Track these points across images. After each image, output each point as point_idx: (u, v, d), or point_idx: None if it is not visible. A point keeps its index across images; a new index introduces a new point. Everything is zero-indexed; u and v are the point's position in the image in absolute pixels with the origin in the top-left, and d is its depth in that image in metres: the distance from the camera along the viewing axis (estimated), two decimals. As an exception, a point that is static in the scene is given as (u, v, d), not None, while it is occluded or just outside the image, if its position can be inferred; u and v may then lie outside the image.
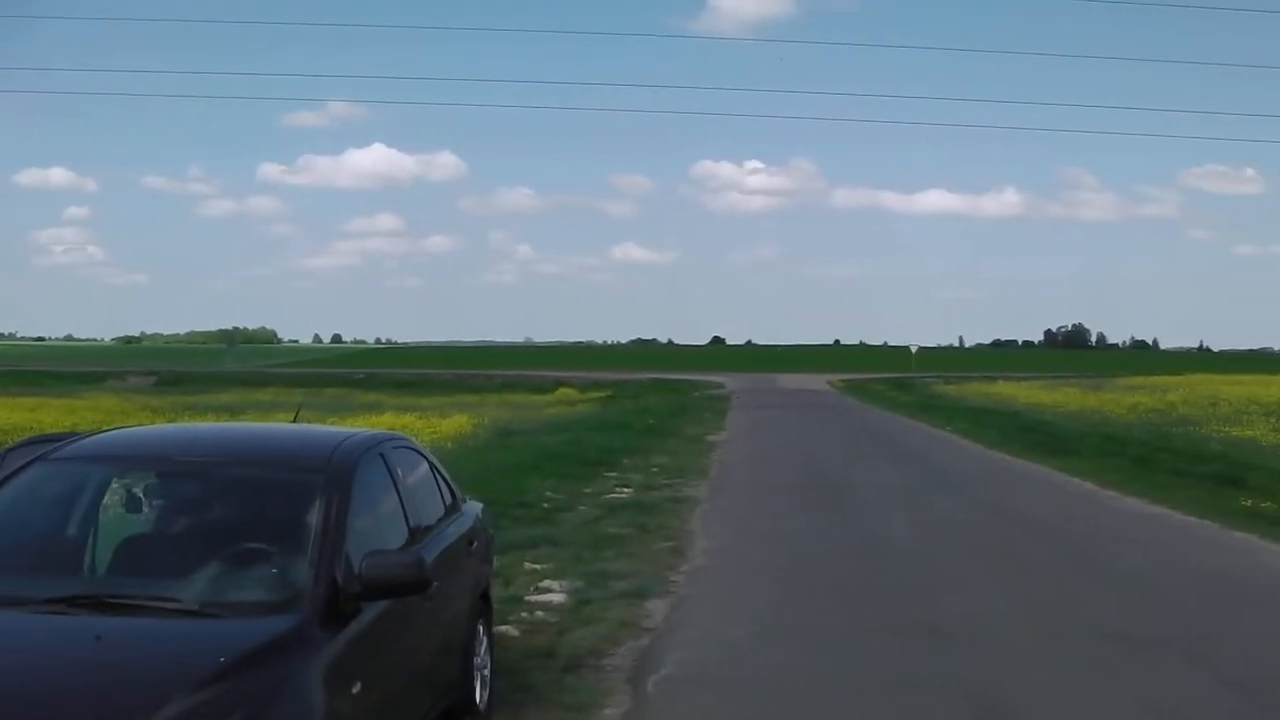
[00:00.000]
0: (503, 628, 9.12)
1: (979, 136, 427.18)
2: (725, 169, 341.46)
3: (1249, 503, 17.11)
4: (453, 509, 7.31)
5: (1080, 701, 7.77)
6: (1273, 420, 33.12)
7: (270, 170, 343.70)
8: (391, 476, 6.21)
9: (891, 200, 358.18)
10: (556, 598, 10.57)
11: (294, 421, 7.86)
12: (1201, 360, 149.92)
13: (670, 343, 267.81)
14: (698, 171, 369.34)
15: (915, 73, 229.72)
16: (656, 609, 10.22)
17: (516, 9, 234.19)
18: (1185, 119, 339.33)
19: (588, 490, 18.48)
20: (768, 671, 8.40)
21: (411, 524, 6.23)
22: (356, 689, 4.83)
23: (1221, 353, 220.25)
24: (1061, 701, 7.75)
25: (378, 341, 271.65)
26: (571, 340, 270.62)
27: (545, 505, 16.43)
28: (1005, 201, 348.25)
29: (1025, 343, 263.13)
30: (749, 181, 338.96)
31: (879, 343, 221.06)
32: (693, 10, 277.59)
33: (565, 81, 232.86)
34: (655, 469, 22.30)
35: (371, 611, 5.16)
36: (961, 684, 8.05)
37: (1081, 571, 12.58)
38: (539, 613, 9.98)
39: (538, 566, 11.95)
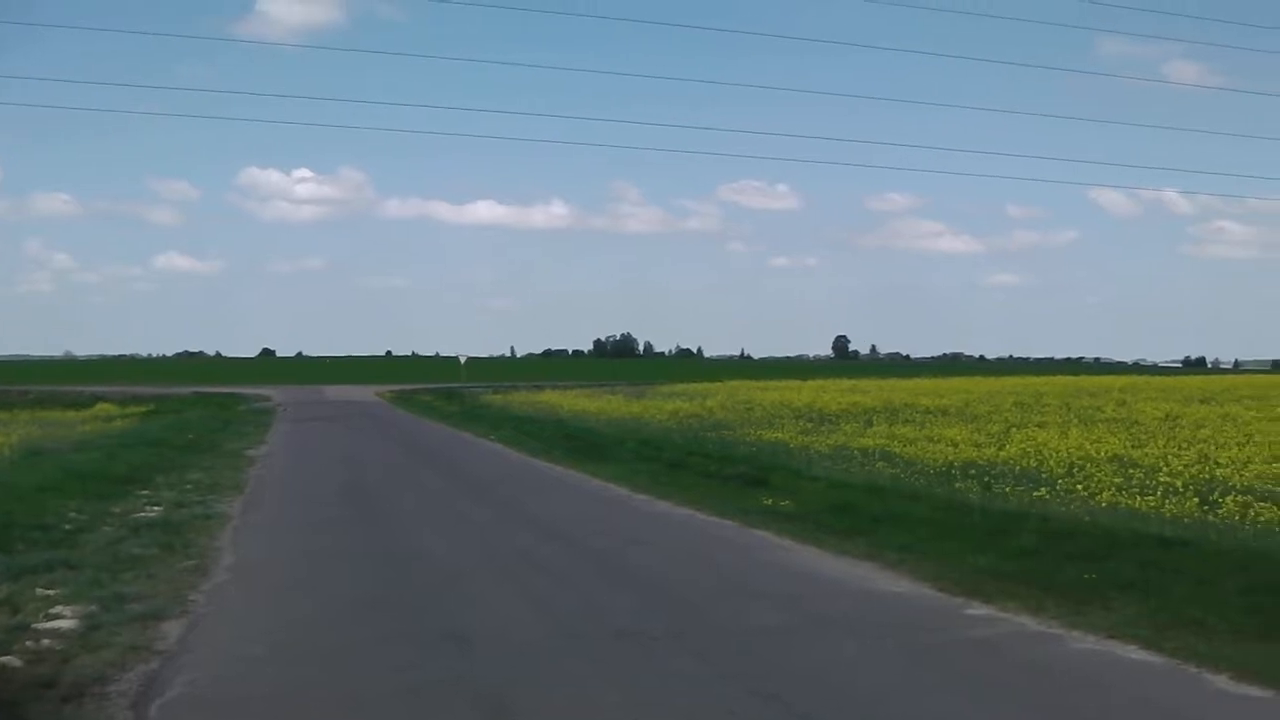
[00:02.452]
0: (3, 659, 8.80)
1: (527, 149, 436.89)
2: (273, 177, 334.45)
3: (770, 501, 18.44)
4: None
5: (583, 697, 8.23)
6: (801, 423, 35.23)
7: None
8: None
9: (441, 211, 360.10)
10: (67, 624, 10.22)
11: None
12: (742, 368, 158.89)
13: (218, 355, 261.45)
14: (244, 179, 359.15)
15: (464, 84, 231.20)
16: (171, 630, 10.08)
17: (51, 3, 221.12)
18: (722, 137, 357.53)
19: (115, 510, 17.90)
20: (279, 688, 8.44)
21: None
22: None
23: (761, 360, 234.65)
24: (565, 698, 8.18)
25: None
26: (114, 353, 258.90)
27: (67, 527, 15.84)
28: (553, 213, 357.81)
29: (575, 352, 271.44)
30: (297, 190, 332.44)
31: (431, 354, 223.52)
32: (238, 13, 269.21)
33: (104, 82, 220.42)
34: (189, 485, 21.81)
35: None
36: (472, 689, 8.35)
37: (606, 575, 13.21)
38: (45, 640, 9.64)
39: (51, 592, 11.55)
